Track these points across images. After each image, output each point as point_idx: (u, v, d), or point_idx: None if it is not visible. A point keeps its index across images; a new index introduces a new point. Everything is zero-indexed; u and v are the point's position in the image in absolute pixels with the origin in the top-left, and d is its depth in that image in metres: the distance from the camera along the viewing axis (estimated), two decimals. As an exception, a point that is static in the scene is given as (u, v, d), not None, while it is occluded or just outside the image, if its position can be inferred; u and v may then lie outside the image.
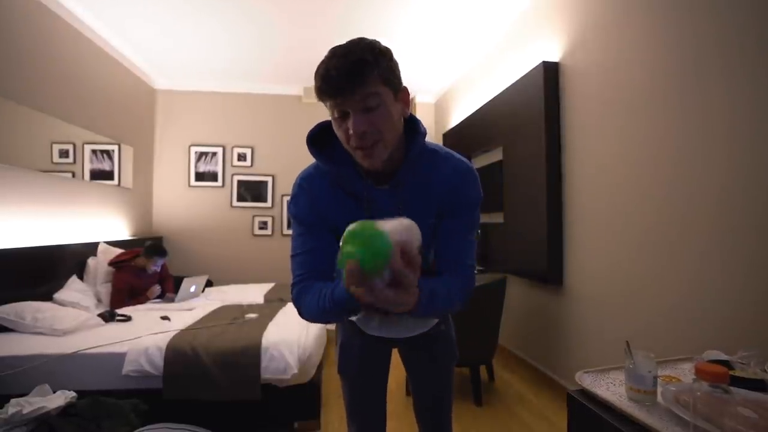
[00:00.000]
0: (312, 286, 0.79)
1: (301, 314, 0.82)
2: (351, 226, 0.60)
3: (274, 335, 1.98)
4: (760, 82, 1.26)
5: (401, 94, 0.77)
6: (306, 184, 0.85)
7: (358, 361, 1.04)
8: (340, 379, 1.07)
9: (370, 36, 0.73)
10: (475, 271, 0.87)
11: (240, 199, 4.31)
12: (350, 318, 1.01)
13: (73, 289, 2.48)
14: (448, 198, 0.83)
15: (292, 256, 0.85)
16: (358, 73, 0.68)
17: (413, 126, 0.82)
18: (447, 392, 1.07)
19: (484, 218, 3.09)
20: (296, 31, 3.12)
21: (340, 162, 0.81)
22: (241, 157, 4.32)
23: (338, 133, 0.75)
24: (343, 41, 0.71)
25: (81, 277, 2.68)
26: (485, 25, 2.99)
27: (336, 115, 0.72)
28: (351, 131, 0.70)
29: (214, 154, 4.27)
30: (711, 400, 0.64)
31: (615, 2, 1.89)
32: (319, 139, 0.84)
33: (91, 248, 2.83)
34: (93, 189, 3.06)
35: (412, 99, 4.27)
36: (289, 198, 4.05)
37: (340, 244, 0.59)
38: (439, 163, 0.83)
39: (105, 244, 2.94)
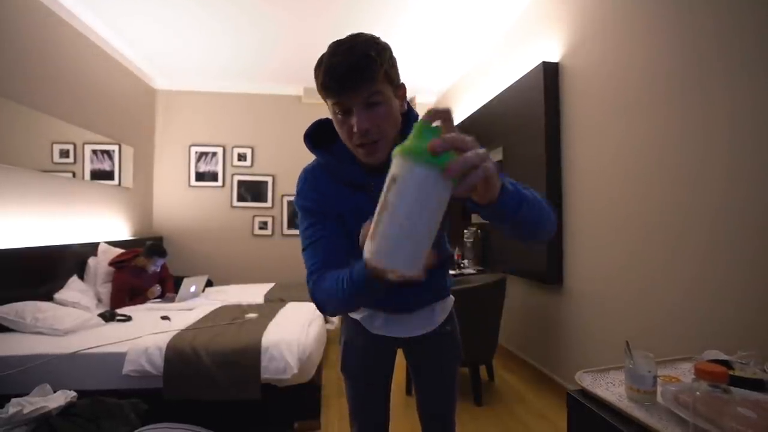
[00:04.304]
0: (327, 275, 0.76)
1: (318, 304, 0.78)
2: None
3: (274, 335, 1.98)
4: (760, 81, 1.26)
5: (400, 90, 0.77)
6: (311, 176, 0.85)
7: (362, 360, 1.03)
8: (344, 378, 1.06)
9: (371, 35, 0.73)
10: None
11: (240, 199, 4.30)
12: (354, 317, 1.01)
13: (74, 289, 2.49)
14: None
15: (303, 249, 0.82)
16: (364, 70, 0.67)
17: (408, 115, 0.82)
18: (451, 393, 1.06)
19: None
20: (296, 32, 3.12)
21: (341, 157, 0.82)
22: (241, 157, 4.32)
23: (340, 131, 0.74)
24: None
25: (81, 277, 2.68)
26: (485, 25, 2.99)
27: (338, 113, 0.72)
28: (355, 129, 0.70)
29: (214, 154, 4.27)
30: (710, 400, 0.64)
31: (615, 2, 1.89)
32: (317, 136, 0.85)
33: (91, 248, 2.84)
34: (93, 189, 3.06)
35: (413, 99, 4.28)
36: (291, 196, 4.07)
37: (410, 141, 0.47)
38: None
39: (105, 244, 2.94)
